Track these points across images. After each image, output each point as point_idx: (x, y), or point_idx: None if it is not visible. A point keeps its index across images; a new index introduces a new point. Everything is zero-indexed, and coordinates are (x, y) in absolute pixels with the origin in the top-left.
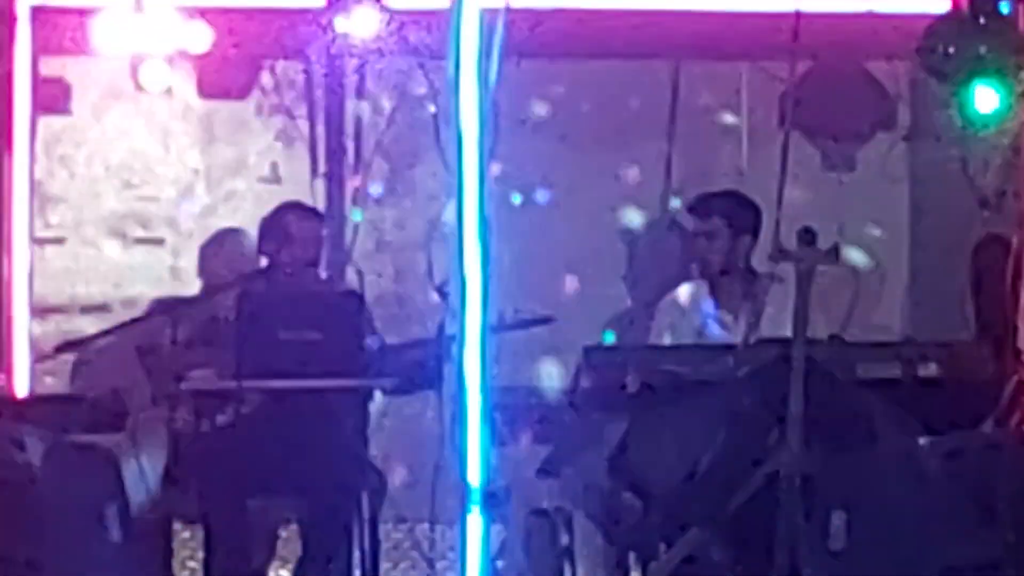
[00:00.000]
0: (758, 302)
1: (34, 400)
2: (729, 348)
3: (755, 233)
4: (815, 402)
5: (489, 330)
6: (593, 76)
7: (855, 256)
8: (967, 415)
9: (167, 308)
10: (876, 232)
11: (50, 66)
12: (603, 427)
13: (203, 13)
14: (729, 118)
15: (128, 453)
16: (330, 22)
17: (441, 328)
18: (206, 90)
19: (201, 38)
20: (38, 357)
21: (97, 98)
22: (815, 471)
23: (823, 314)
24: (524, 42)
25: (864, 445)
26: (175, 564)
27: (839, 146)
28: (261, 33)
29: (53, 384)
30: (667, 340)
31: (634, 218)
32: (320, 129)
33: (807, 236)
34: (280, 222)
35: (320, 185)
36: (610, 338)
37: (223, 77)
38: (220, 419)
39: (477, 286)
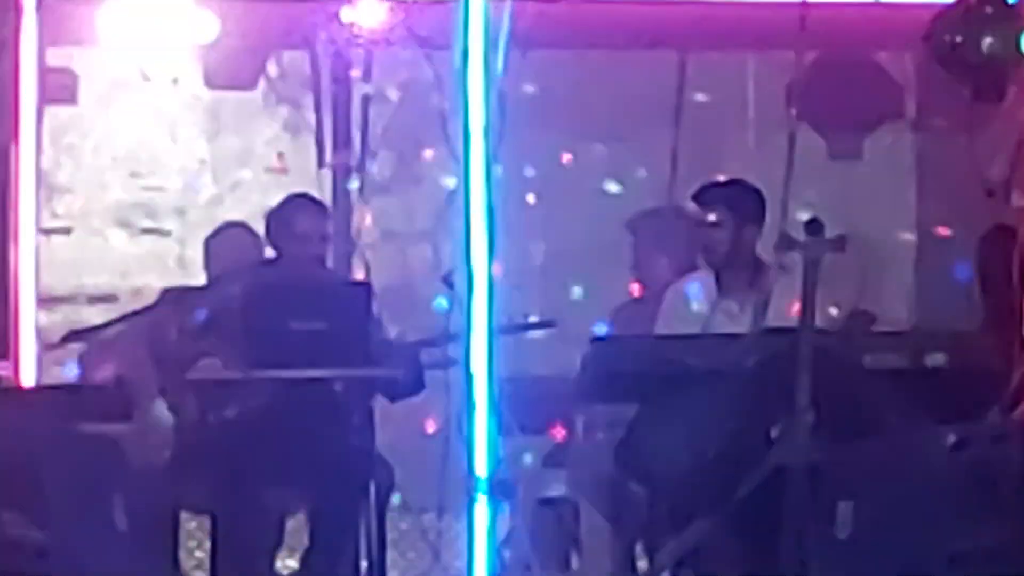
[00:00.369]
0: (764, 292)
1: (41, 390)
2: (735, 338)
3: (760, 222)
4: (821, 392)
5: (493, 332)
6: (599, 66)
7: (861, 246)
8: (974, 404)
9: (175, 298)
10: (883, 222)
11: (57, 56)
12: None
13: (210, 3)
14: (735, 108)
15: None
16: (336, 12)
17: (447, 322)
18: (213, 80)
19: (208, 28)
20: (45, 347)
21: (104, 88)
22: (821, 461)
23: (830, 304)
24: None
25: (871, 434)
26: (182, 554)
27: (846, 136)
28: (268, 23)
29: (60, 374)
30: (673, 330)
31: (640, 208)
32: (327, 119)
33: (814, 226)
34: (286, 214)
35: (326, 175)
36: (604, 330)
37: (230, 67)
38: (228, 409)
39: (484, 276)
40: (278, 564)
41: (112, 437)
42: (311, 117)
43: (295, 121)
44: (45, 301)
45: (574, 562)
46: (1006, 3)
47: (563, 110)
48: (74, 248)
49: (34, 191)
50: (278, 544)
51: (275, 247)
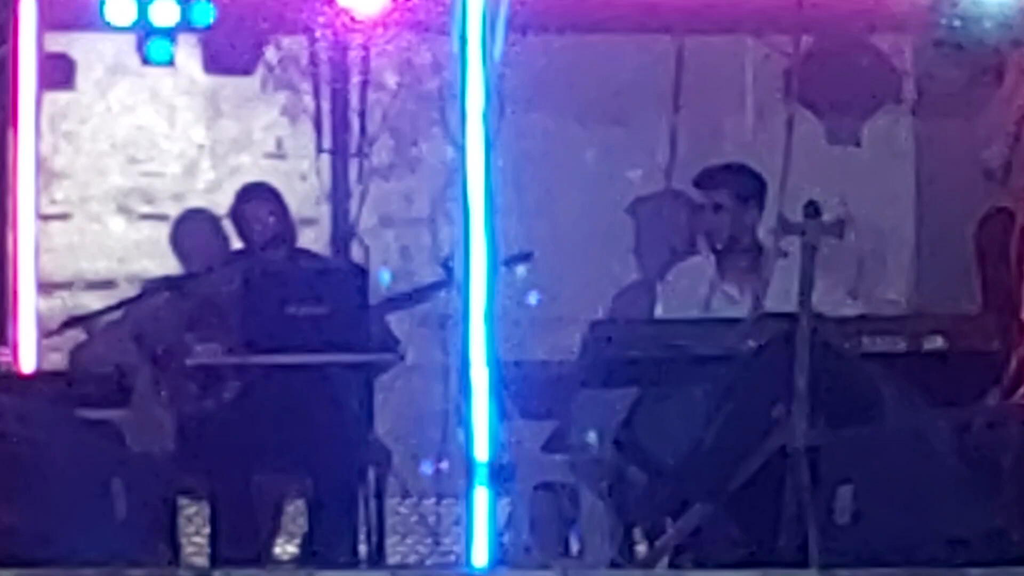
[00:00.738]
0: (764, 276)
1: (40, 376)
2: (735, 322)
3: (761, 206)
4: (821, 376)
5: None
6: (597, 50)
7: (860, 229)
8: (973, 388)
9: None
10: (881, 205)
11: (55, 42)
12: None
13: None
14: (734, 92)
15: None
16: None
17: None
18: (211, 66)
19: (206, 13)
20: (44, 333)
21: (102, 74)
22: (821, 445)
23: (828, 288)
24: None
25: (870, 418)
26: (181, 539)
27: (844, 120)
28: (266, 8)
29: (59, 360)
30: (673, 314)
31: (639, 192)
32: (325, 104)
33: (812, 210)
34: (242, 204)
35: (325, 160)
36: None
37: (228, 52)
38: (225, 395)
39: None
40: (277, 550)
41: (111, 423)
42: (310, 102)
43: (294, 106)
44: (44, 287)
45: (573, 547)
46: None
47: (561, 95)
48: (73, 234)
49: (32, 177)
50: (277, 529)
51: (242, 238)
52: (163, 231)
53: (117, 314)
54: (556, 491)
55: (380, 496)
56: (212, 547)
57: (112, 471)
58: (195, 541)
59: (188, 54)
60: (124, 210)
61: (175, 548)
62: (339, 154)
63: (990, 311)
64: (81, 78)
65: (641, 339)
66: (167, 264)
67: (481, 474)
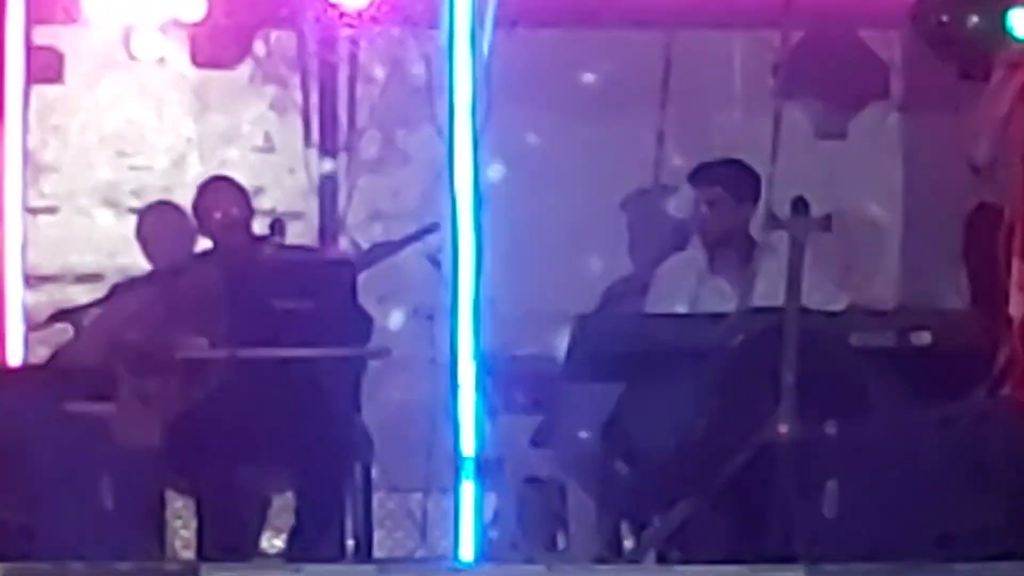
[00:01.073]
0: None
1: (27, 369)
2: (724, 317)
3: (755, 201)
4: (808, 370)
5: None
6: (585, 45)
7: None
8: (960, 383)
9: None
10: (868, 201)
11: (43, 35)
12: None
13: None
14: (722, 87)
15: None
16: None
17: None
18: (199, 59)
19: (194, 7)
20: (31, 326)
21: (90, 67)
22: (808, 440)
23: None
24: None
25: (857, 413)
26: (168, 533)
27: (832, 115)
28: (254, 2)
29: (46, 353)
30: (664, 309)
31: (630, 187)
32: (313, 99)
33: (800, 205)
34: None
35: (313, 154)
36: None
37: (216, 46)
38: (211, 388)
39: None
40: (264, 543)
41: (98, 417)
42: (298, 96)
43: (282, 100)
44: (31, 280)
45: (560, 542)
46: None
47: (549, 89)
48: (60, 227)
49: (20, 170)
50: (263, 523)
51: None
52: None
53: (102, 309)
54: (543, 486)
55: (367, 490)
56: (199, 541)
57: (99, 465)
58: (182, 535)
59: (176, 48)
60: (112, 203)
61: (162, 542)
62: (327, 148)
63: (977, 306)
64: (69, 72)
65: (629, 334)
66: None
67: (468, 468)
